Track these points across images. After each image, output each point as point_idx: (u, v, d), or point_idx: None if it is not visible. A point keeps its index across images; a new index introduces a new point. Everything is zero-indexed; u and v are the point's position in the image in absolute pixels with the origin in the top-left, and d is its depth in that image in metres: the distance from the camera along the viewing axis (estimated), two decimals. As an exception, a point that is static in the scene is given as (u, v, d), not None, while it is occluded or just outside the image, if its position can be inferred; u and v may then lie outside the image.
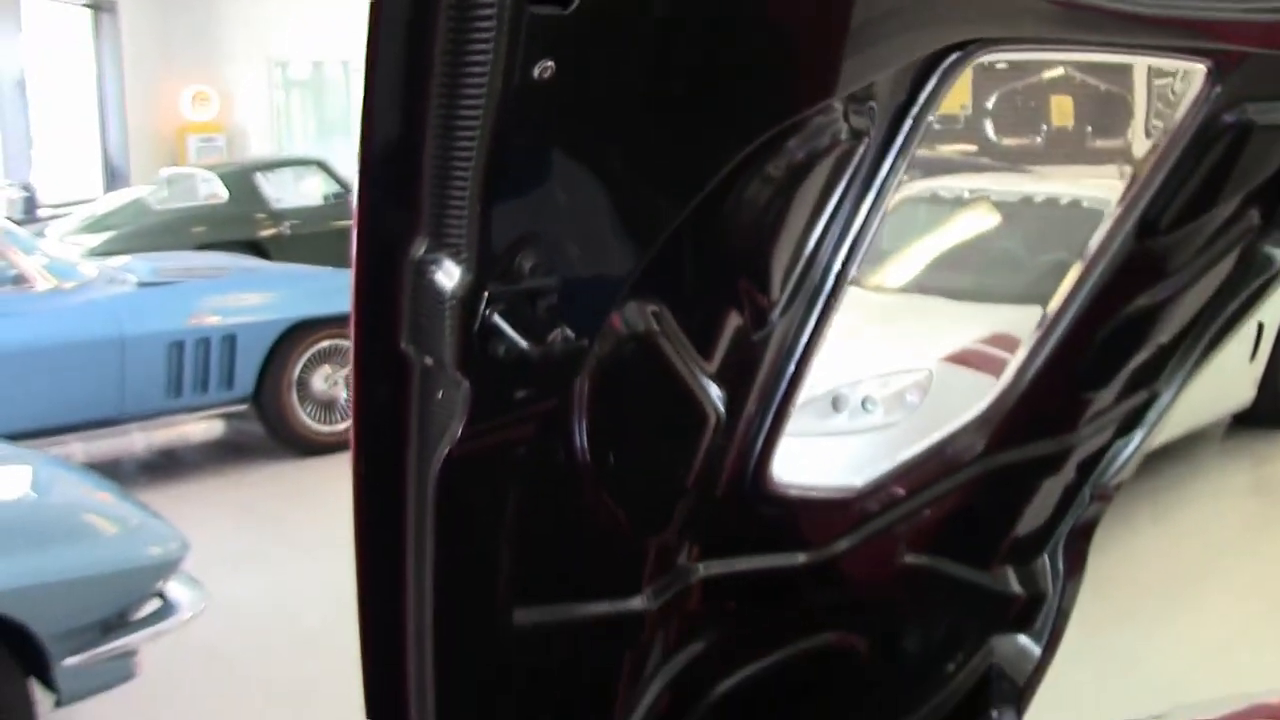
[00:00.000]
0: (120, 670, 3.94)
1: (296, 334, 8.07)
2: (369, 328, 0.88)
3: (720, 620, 1.52)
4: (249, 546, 6.63)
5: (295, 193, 13.95)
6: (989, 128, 9.14)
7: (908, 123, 1.18)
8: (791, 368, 1.29)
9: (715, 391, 1.22)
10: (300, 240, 13.04)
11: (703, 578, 1.41)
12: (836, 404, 4.96)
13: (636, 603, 1.31)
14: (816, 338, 1.29)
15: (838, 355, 5.09)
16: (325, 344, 8.14)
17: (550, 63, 0.79)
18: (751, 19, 0.97)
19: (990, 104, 6.81)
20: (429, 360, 0.88)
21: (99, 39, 18.52)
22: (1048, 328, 1.72)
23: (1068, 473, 1.92)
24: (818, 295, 1.25)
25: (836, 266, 1.23)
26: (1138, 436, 1.93)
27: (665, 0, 0.86)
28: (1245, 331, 7.64)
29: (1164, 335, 1.82)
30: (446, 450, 0.90)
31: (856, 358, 5.22)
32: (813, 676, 1.75)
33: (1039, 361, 1.72)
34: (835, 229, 1.21)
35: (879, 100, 1.14)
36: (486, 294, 0.83)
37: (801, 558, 1.58)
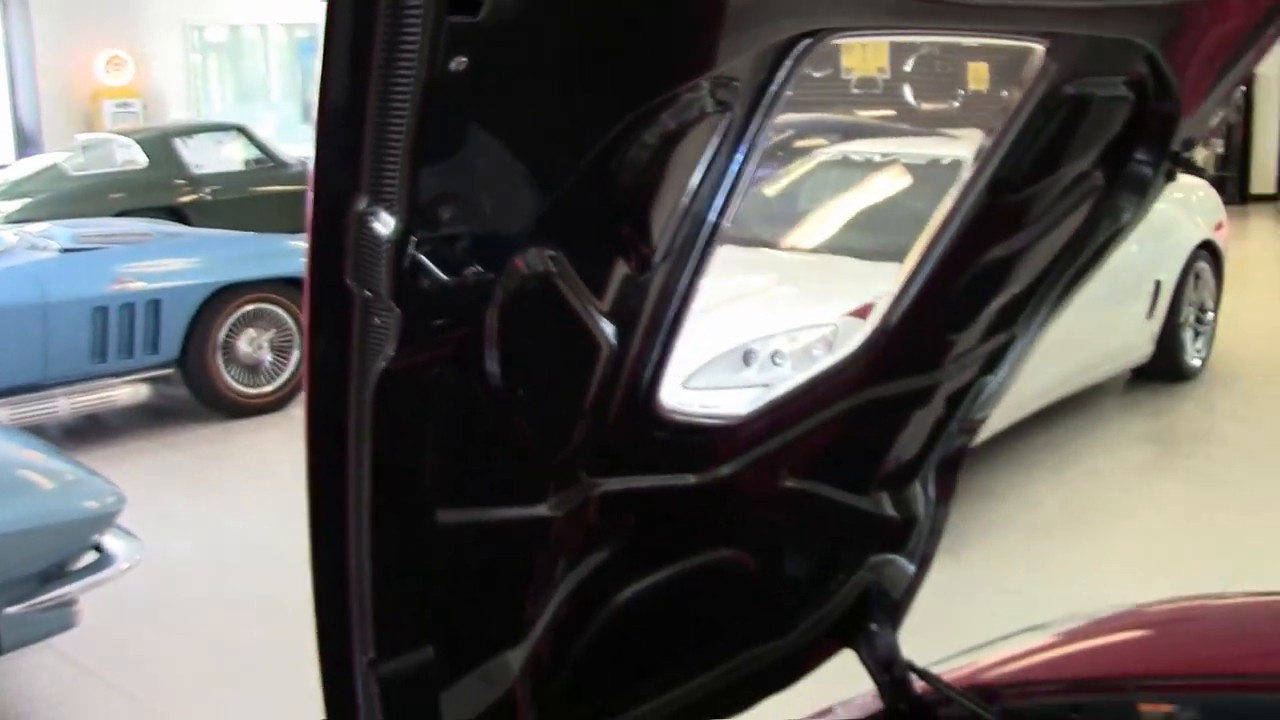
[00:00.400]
0: (60, 619, 4.06)
1: (221, 298, 8.15)
2: (320, 266, 1.04)
3: (619, 533, 1.63)
4: (177, 506, 6.70)
5: (215, 158, 13.72)
6: (907, 92, 9.36)
7: (767, 99, 1.33)
8: (674, 308, 1.43)
9: (607, 327, 1.35)
10: (221, 206, 12.91)
11: (602, 493, 1.54)
12: (747, 358, 5.13)
13: (542, 510, 1.44)
14: (695, 282, 1.43)
15: (750, 313, 5.27)
16: (249, 308, 8.22)
17: (464, 58, 0.95)
18: (633, 17, 1.12)
19: (908, 68, 6.98)
20: (368, 293, 1.04)
21: (6, 2, 17.96)
22: (911, 274, 1.84)
23: (936, 407, 2.02)
24: (694, 245, 1.39)
25: (710, 220, 1.38)
26: (1000, 374, 2.05)
27: (559, 10, 1.05)
28: (1143, 290, 7.96)
29: (1019, 283, 1.94)
30: (382, 366, 1.07)
31: (768, 315, 5.41)
32: (706, 589, 1.85)
33: (904, 305, 1.84)
34: (707, 188, 1.35)
35: (742, 79, 1.28)
36: (413, 239, 1.00)
37: (691, 479, 1.69)
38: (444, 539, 1.32)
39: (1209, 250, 8.82)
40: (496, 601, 1.50)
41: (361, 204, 1.00)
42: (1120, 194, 1.94)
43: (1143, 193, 1.93)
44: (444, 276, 1.01)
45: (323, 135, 0.97)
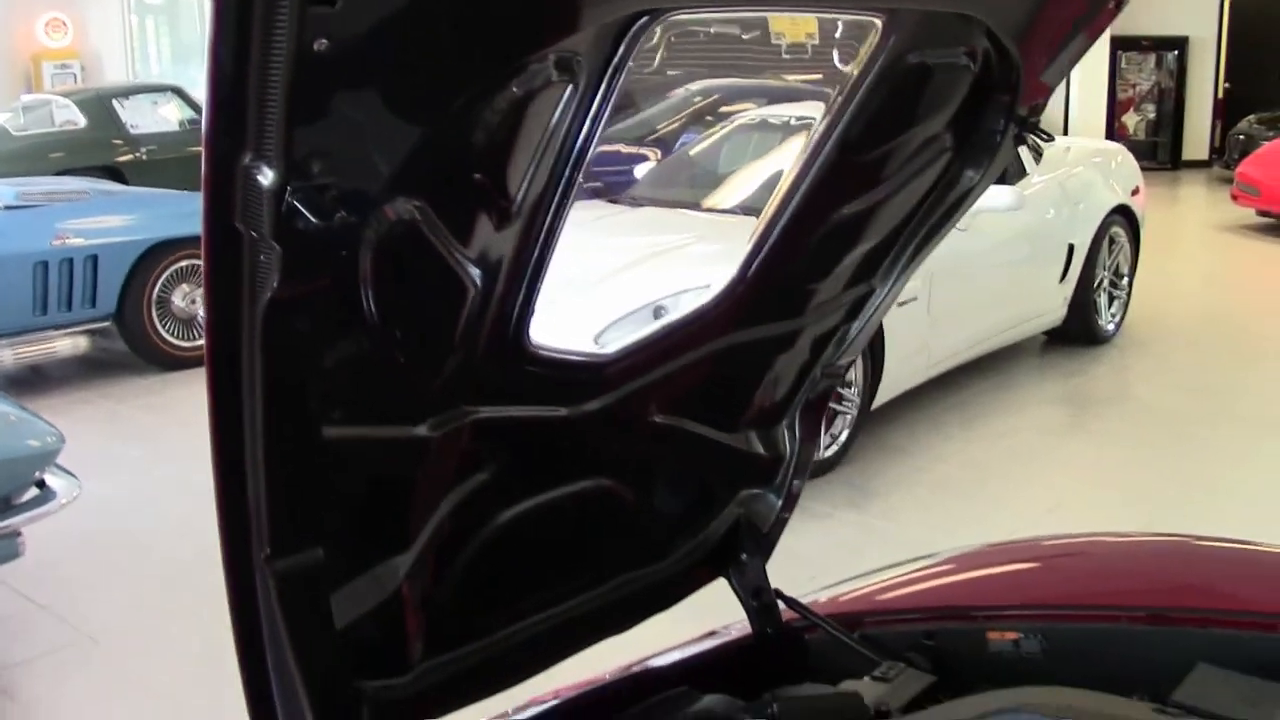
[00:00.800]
0: (7, 549, 4.27)
1: (156, 254, 8.29)
2: (214, 211, 1.18)
3: (496, 457, 1.72)
4: (115, 452, 6.84)
5: (152, 118, 13.80)
6: (835, 57, 9.51)
7: (610, 71, 1.46)
8: (534, 256, 1.55)
9: (473, 271, 1.48)
10: (157, 165, 12.96)
11: (476, 419, 1.63)
12: (658, 314, 5.19)
13: (421, 430, 1.55)
14: (553, 234, 1.55)
15: (665, 270, 5.44)
16: (184, 264, 8.35)
17: (324, 40, 1.11)
18: (476, 0, 1.27)
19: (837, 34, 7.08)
20: (254, 234, 1.18)
21: (-52, -35, 17.84)
22: (767, 226, 1.92)
23: (800, 352, 2.12)
24: (550, 201, 1.52)
25: (563, 178, 1.51)
26: (861, 322, 2.14)
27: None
28: (1056, 254, 8.15)
29: (874, 238, 2.03)
30: (268, 297, 1.21)
31: (683, 272, 5.46)
32: (584, 514, 1.92)
33: (762, 255, 1.93)
34: (557, 151, 1.48)
35: (583, 53, 1.41)
36: (289, 188, 1.15)
37: (562, 410, 1.78)
38: (329, 452, 1.43)
39: (1125, 215, 8.88)
40: (381, 512, 1.60)
41: (247, 159, 1.16)
42: (968, 157, 2.02)
43: (990, 156, 2.02)
44: (315, 220, 1.17)
45: (214, 101, 1.14)
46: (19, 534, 4.29)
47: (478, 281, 1.49)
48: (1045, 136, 2.03)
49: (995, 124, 1.98)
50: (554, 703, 1.95)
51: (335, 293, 1.32)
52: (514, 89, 1.38)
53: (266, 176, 1.15)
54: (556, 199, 1.52)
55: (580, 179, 1.54)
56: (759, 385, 2.11)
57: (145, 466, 6.71)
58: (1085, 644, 2.06)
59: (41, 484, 4.35)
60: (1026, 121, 1.99)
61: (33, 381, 8.48)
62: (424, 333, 1.50)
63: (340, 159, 1.20)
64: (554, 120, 1.46)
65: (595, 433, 1.83)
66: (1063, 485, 6.39)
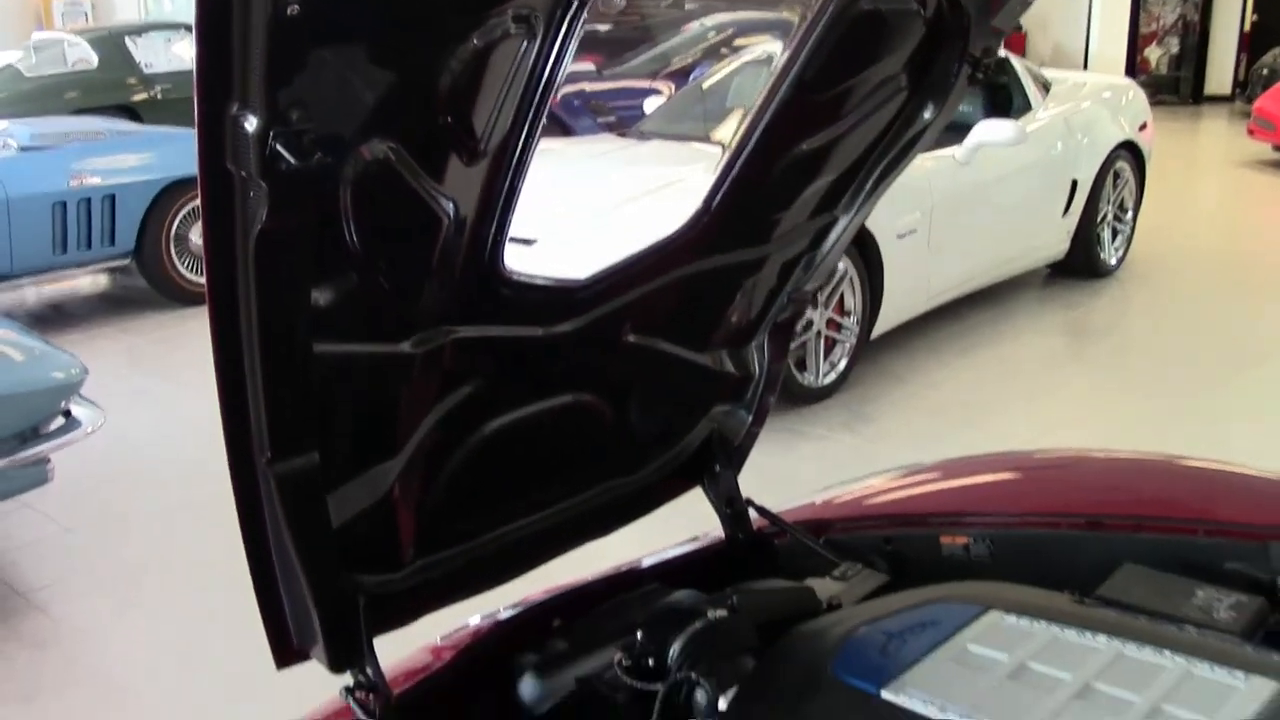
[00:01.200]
0: (36, 475, 4.47)
1: (172, 192, 8.39)
2: (207, 155, 1.30)
3: (477, 373, 1.83)
4: (136, 385, 7.02)
5: (165, 57, 13.68)
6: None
7: (565, 23, 1.56)
8: (504, 189, 1.66)
9: (445, 204, 1.59)
10: (172, 103, 12.97)
11: (456, 338, 1.74)
12: None
13: (405, 347, 1.67)
14: (521, 170, 1.66)
15: (670, 203, 5.56)
16: (197, 181, 8.42)
17: (296, 5, 1.24)
18: None
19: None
20: (243, 174, 1.30)
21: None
22: (731, 159, 2.01)
23: (768, 277, 2.19)
24: (515, 140, 1.62)
25: (526, 120, 1.62)
26: (826, 249, 2.23)
27: None
28: (1060, 188, 8.25)
29: (834, 170, 2.12)
30: (258, 229, 1.33)
31: (689, 205, 5.58)
32: (564, 427, 2.01)
33: (726, 186, 2.02)
34: (516, 94, 1.59)
35: (538, 9, 1.53)
36: (271, 133, 1.27)
37: (538, 331, 1.87)
38: (321, 366, 1.55)
39: (1131, 151, 8.90)
40: (371, 421, 1.72)
41: (234, 109, 1.28)
42: (924, 96, 2.11)
43: (945, 95, 2.11)
44: (296, 162, 1.29)
45: (201, 58, 1.26)
46: (48, 460, 4.47)
47: (450, 213, 1.61)
48: (991, 69, 2.12)
49: (949, 66, 2.07)
50: (541, 599, 2.07)
51: (319, 225, 1.44)
52: (475, 41, 1.50)
53: (251, 124, 1.28)
54: (522, 138, 1.63)
55: (545, 118, 1.65)
56: (728, 308, 2.20)
57: (166, 398, 6.87)
58: (1028, 548, 2.20)
59: (68, 414, 4.51)
60: (980, 63, 2.08)
61: (55, 318, 8.63)
62: (402, 260, 1.61)
63: (317, 106, 1.33)
64: (514, 68, 1.57)
65: (571, 351, 1.93)
66: (1057, 411, 6.48)
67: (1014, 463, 2.79)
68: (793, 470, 5.44)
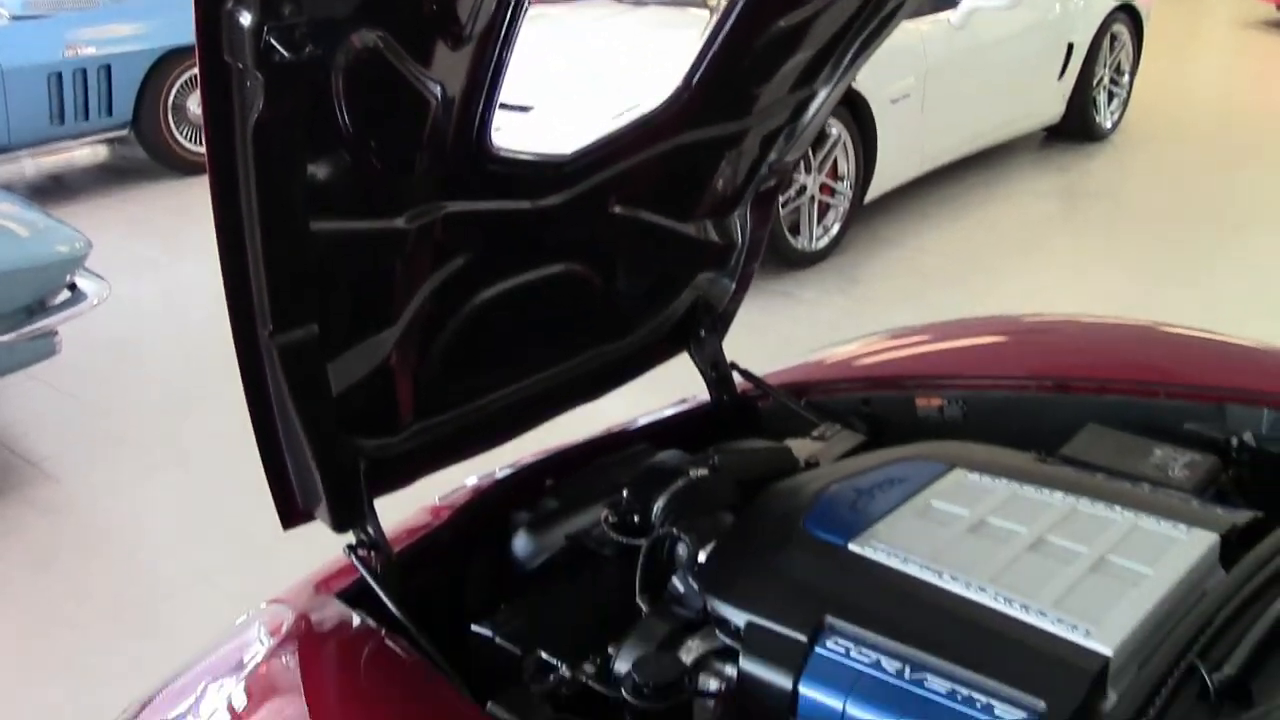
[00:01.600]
0: (45, 347, 4.53)
1: (168, 62, 8.32)
2: (206, 47, 1.37)
3: (468, 246, 1.89)
4: (139, 255, 7.03)
5: None
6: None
7: None
8: (488, 73, 1.72)
9: (432, 87, 1.65)
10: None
11: (448, 213, 1.81)
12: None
13: (398, 223, 1.74)
14: (504, 55, 1.71)
15: (668, 64, 5.44)
16: (197, 70, 8.37)
17: None
18: None
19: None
20: (240, 65, 1.37)
21: None
22: (712, 35, 2.04)
23: (750, 150, 2.23)
24: (499, 24, 1.68)
25: (511, 3, 1.66)
26: (805, 121, 2.27)
27: None
28: (1055, 51, 8.20)
29: (811, 47, 2.15)
30: (255, 116, 1.40)
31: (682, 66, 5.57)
32: (556, 295, 2.07)
33: (706, 62, 2.05)
34: None
35: None
36: (265, 27, 1.34)
37: (526, 204, 1.92)
38: (319, 242, 1.63)
39: (1128, 13, 8.83)
40: (368, 293, 1.79)
41: (229, 4, 1.35)
42: None
43: None
44: (288, 54, 1.36)
45: None
46: (55, 333, 4.53)
47: (438, 95, 1.67)
48: None
49: None
50: (534, 461, 2.17)
51: (313, 110, 1.51)
52: None
53: (246, 18, 1.36)
54: (506, 22, 1.69)
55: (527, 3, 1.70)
56: (711, 180, 2.24)
57: (169, 268, 6.91)
58: (999, 409, 2.30)
59: (73, 287, 4.56)
60: None
61: (55, 191, 8.61)
62: (393, 140, 1.67)
63: (305, 3, 1.39)
64: None
65: (559, 223, 2.00)
66: (1046, 273, 6.55)
67: (992, 327, 2.86)
68: (787, 332, 5.53)
